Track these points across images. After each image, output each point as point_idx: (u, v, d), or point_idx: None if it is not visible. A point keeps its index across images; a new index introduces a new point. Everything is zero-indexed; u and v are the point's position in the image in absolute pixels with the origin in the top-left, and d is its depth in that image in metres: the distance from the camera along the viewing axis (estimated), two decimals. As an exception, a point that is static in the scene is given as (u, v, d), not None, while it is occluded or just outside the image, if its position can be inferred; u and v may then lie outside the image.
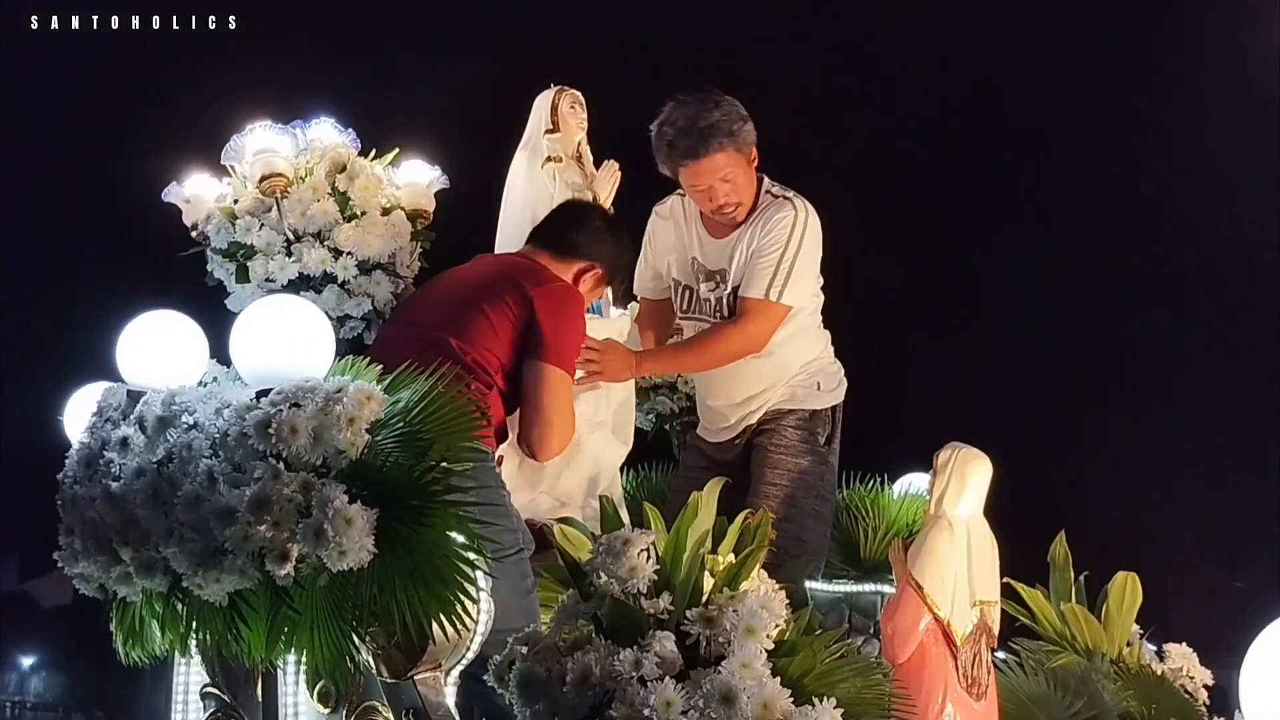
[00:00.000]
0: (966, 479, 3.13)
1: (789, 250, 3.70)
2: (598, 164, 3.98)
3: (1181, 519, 13.59)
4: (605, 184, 3.94)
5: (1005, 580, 3.29)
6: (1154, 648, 3.58)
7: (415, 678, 2.73)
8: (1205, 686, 3.50)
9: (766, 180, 3.83)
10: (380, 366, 2.81)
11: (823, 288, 3.93)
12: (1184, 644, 3.58)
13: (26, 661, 23.30)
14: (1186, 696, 3.38)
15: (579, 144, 3.95)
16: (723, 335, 3.78)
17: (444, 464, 2.62)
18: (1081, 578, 3.50)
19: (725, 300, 3.84)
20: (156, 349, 2.88)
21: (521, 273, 3.44)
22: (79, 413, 3.07)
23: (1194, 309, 14.19)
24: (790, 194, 3.79)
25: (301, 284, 3.53)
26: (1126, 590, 3.44)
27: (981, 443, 3.22)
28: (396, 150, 3.77)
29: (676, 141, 3.72)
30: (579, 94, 3.99)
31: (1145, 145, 13.44)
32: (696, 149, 3.69)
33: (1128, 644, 3.44)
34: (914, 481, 4.34)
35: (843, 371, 4.01)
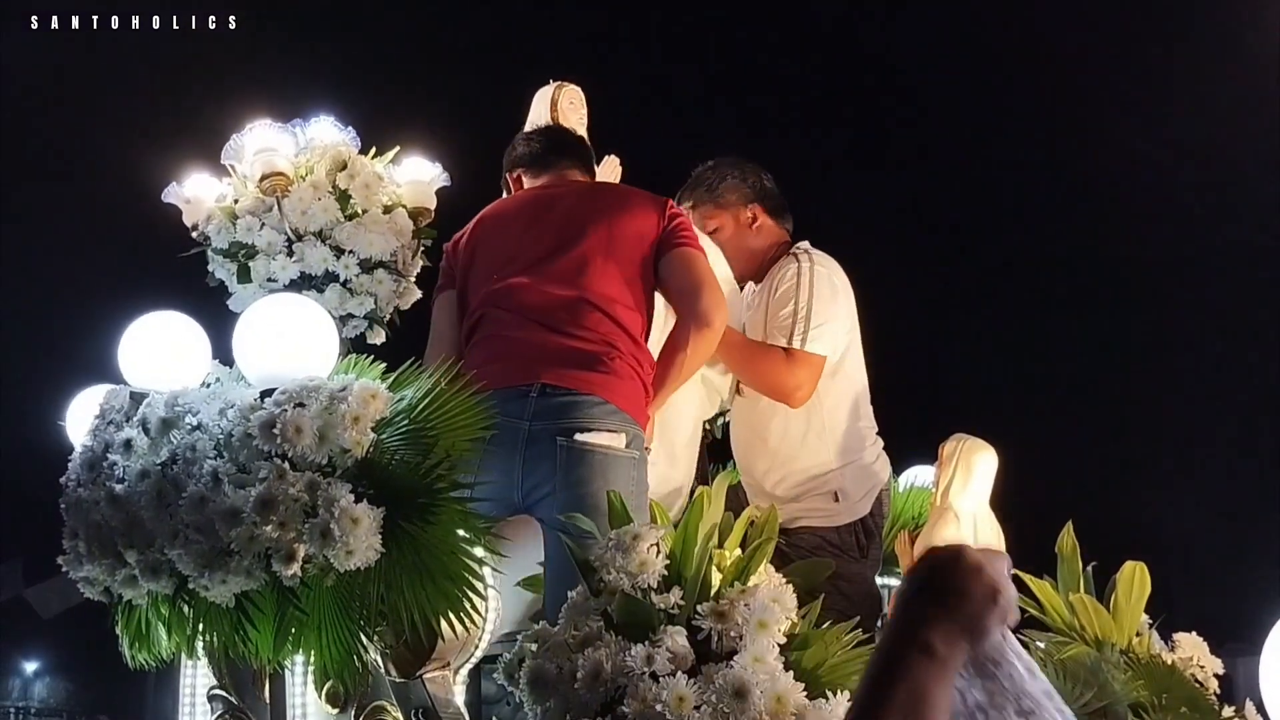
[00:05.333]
0: (972, 470, 3.12)
1: (800, 298, 3.63)
2: (598, 160, 3.97)
3: (1186, 507, 13.60)
4: (606, 178, 3.93)
5: (1013, 572, 3.27)
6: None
7: (424, 676, 2.72)
8: (1215, 675, 3.48)
9: (803, 245, 3.80)
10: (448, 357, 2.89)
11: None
12: (1193, 632, 3.57)
13: (30, 667, 23.27)
14: (1197, 686, 3.36)
15: (579, 140, 3.94)
16: (766, 352, 3.64)
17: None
18: (1089, 568, 3.48)
19: None
20: (159, 350, 2.88)
21: (643, 198, 3.36)
22: (81, 416, 3.06)
23: (1198, 301, 14.19)
24: (808, 252, 3.75)
25: (303, 283, 3.51)
26: (1135, 580, 3.42)
27: (986, 433, 3.21)
28: (397, 148, 3.75)
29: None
30: (579, 89, 3.98)
31: (1157, 137, 13.45)
32: (682, 200, 3.84)
33: (1137, 634, 3.42)
34: (919, 474, 4.33)
35: (880, 476, 3.79)
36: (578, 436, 2.96)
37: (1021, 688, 1.30)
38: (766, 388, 3.67)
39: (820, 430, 3.72)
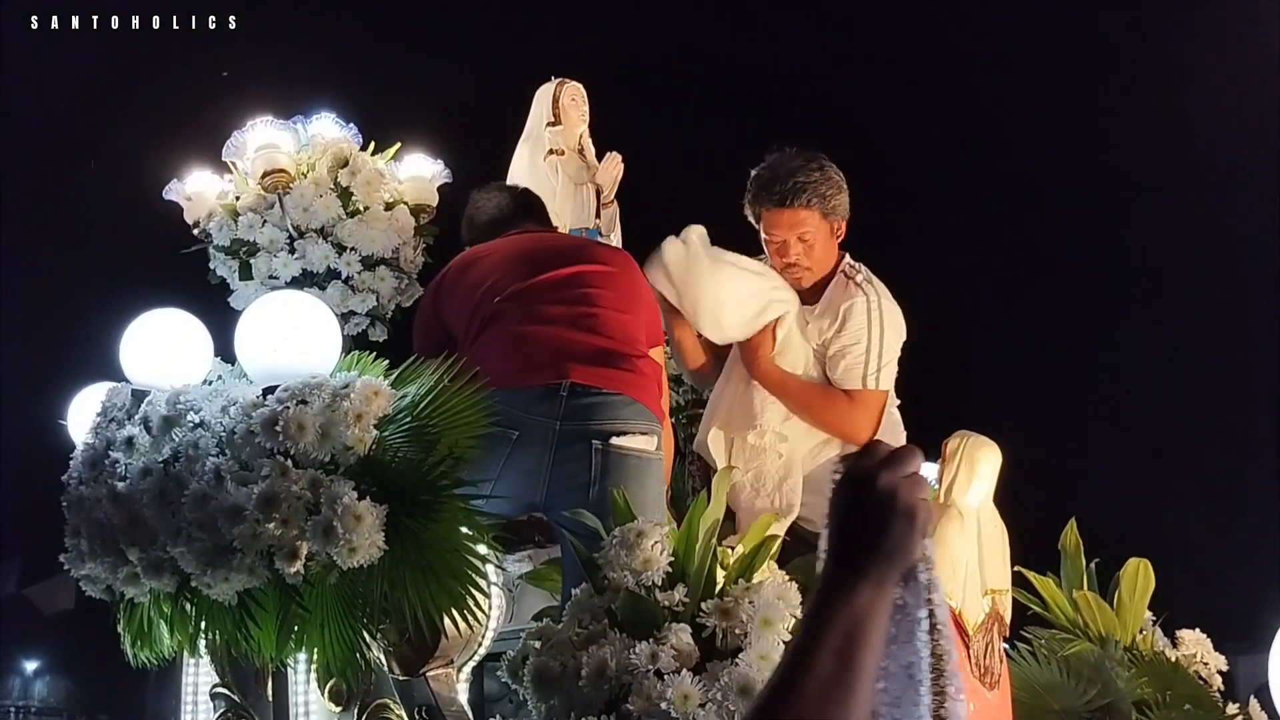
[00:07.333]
0: (976, 467, 3.11)
1: (872, 337, 3.54)
2: (599, 156, 3.96)
3: (1188, 505, 13.61)
4: (607, 176, 3.92)
5: (1016, 568, 3.27)
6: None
7: (428, 674, 2.71)
8: (1219, 672, 3.48)
9: (846, 258, 3.68)
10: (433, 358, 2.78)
11: None
12: (1195, 629, 3.56)
13: (30, 666, 23.26)
14: (1200, 683, 3.36)
15: (580, 136, 3.93)
16: (833, 400, 3.55)
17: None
18: (1093, 565, 3.47)
19: None
20: (160, 348, 2.87)
21: (629, 259, 3.32)
22: (83, 414, 3.05)
23: (1200, 299, 14.20)
24: (862, 276, 3.63)
25: (305, 280, 3.50)
26: (1139, 577, 3.42)
27: (989, 430, 3.20)
28: (398, 145, 3.74)
29: (770, 185, 3.60)
30: (580, 86, 3.97)
31: (1153, 139, 13.44)
32: (785, 198, 3.57)
33: (1140, 631, 3.42)
34: (922, 471, 4.31)
35: None
36: (613, 440, 2.89)
37: (933, 586, 1.38)
38: (832, 430, 3.56)
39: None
